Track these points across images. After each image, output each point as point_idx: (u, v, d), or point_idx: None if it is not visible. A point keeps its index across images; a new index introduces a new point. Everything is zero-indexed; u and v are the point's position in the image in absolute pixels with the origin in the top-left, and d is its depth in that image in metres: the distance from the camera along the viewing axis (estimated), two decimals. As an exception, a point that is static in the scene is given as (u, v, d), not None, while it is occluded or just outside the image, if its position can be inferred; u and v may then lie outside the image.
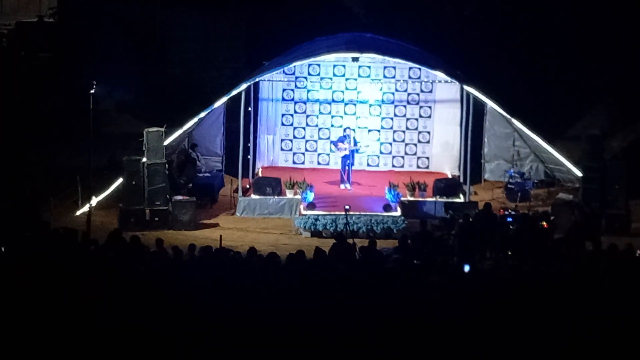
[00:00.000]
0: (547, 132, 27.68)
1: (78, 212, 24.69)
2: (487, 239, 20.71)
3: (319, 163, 29.24)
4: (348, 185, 26.82)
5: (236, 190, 26.37)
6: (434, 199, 25.54)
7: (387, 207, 24.99)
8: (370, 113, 29.06)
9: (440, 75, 27.04)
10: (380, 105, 29.08)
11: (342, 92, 28.99)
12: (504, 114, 27.03)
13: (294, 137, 29.31)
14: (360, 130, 28.70)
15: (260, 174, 27.99)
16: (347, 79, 28.90)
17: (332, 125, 28.97)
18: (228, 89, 26.76)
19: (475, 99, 26.33)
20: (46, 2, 36.99)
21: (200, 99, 29.53)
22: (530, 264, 15.88)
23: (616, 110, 31.90)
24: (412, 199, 25.71)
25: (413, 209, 25.21)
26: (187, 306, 12.62)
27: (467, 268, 14.94)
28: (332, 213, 24.55)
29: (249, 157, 27.15)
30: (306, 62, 27.98)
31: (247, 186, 26.71)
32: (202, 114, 27.06)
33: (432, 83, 28.63)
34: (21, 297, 12.88)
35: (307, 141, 29.30)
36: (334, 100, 29.07)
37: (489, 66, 31.53)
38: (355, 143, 26.96)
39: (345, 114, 29.00)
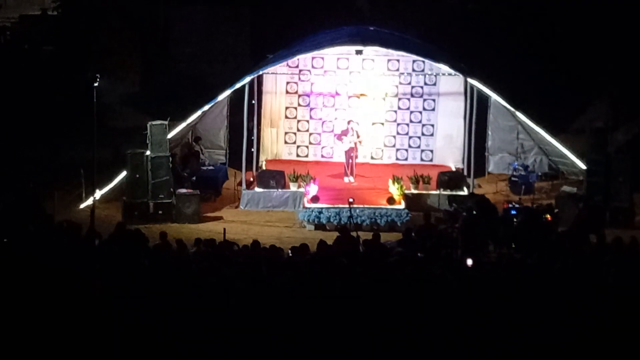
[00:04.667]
0: (551, 125, 27.65)
1: (82, 206, 24.71)
2: (490, 232, 20.68)
3: (322, 156, 29.22)
4: (352, 179, 26.82)
5: (240, 184, 26.38)
6: (437, 192, 25.54)
7: (390, 200, 24.97)
8: (374, 106, 29.02)
9: (444, 68, 27.01)
10: (384, 98, 29.04)
11: (346, 85, 28.95)
12: (508, 106, 26.98)
13: (298, 130, 29.29)
14: (364, 123, 28.67)
15: (264, 167, 28.00)
16: (350, 72, 28.85)
17: (336, 119, 28.94)
18: (232, 82, 26.75)
19: (479, 91, 26.32)
20: (49, -5, 37.04)
21: (204, 92, 29.54)
22: (534, 257, 15.84)
23: (620, 103, 31.87)
24: (415, 192, 25.70)
25: (417, 202, 25.20)
26: (190, 299, 12.63)
27: (469, 262, 14.93)
28: (335, 206, 24.54)
29: (252, 150, 27.14)
30: (310, 55, 27.97)
31: (251, 179, 26.72)
32: (206, 107, 27.06)
33: (436, 76, 28.58)
34: (25, 291, 12.89)
35: (310, 134, 29.29)
36: (337, 93, 29.04)
37: (493, 59, 31.53)
38: (358, 136, 26.94)
39: (349, 107, 28.98)
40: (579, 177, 26.48)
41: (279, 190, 25.90)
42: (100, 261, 14.49)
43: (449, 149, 28.85)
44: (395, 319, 12.36)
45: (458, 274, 14.14)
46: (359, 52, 27.14)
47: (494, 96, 26.90)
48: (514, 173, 27.09)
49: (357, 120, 27.98)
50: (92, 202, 23.47)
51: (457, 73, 26.81)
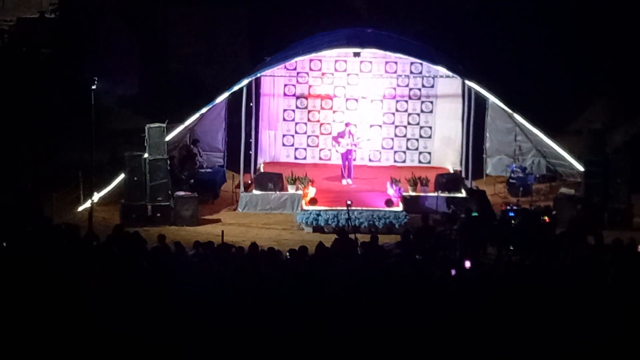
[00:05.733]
0: (548, 127, 27.65)
1: (80, 208, 24.70)
2: (489, 234, 20.70)
3: (320, 158, 29.21)
4: (350, 181, 26.83)
5: (238, 186, 26.37)
6: (435, 194, 25.53)
7: (389, 202, 24.98)
8: (371, 108, 29.02)
9: (441, 70, 26.99)
10: (381, 101, 29.06)
11: (344, 87, 28.95)
12: (506, 108, 27.00)
13: (296, 132, 29.29)
14: (362, 125, 28.68)
15: (261, 170, 27.99)
16: (348, 74, 28.85)
17: (334, 121, 28.94)
18: (230, 85, 26.75)
19: (477, 93, 26.33)
20: (47, -2, 37.03)
21: (202, 94, 29.55)
22: (532, 258, 15.87)
23: (618, 104, 31.89)
24: (414, 194, 25.70)
25: (415, 204, 25.20)
26: (189, 302, 12.63)
27: (467, 264, 14.94)
28: (333, 208, 24.54)
29: (250, 152, 27.13)
30: (307, 57, 27.96)
31: (249, 182, 26.70)
32: (204, 110, 27.06)
33: (433, 78, 28.56)
34: (23, 293, 12.89)
35: (308, 136, 29.29)
36: (335, 96, 29.04)
37: (491, 61, 31.52)
38: (354, 139, 26.94)
39: (347, 109, 28.98)
40: (577, 179, 26.49)
41: (277, 192, 25.89)
42: (98, 264, 14.49)
43: (446, 151, 28.85)
44: (394, 321, 12.36)
45: (456, 275, 14.17)
46: (356, 55, 27.11)
47: (492, 98, 26.91)
48: (512, 175, 27.07)
49: (355, 123, 28.01)
50: (90, 205, 23.49)
51: (455, 75, 26.83)
